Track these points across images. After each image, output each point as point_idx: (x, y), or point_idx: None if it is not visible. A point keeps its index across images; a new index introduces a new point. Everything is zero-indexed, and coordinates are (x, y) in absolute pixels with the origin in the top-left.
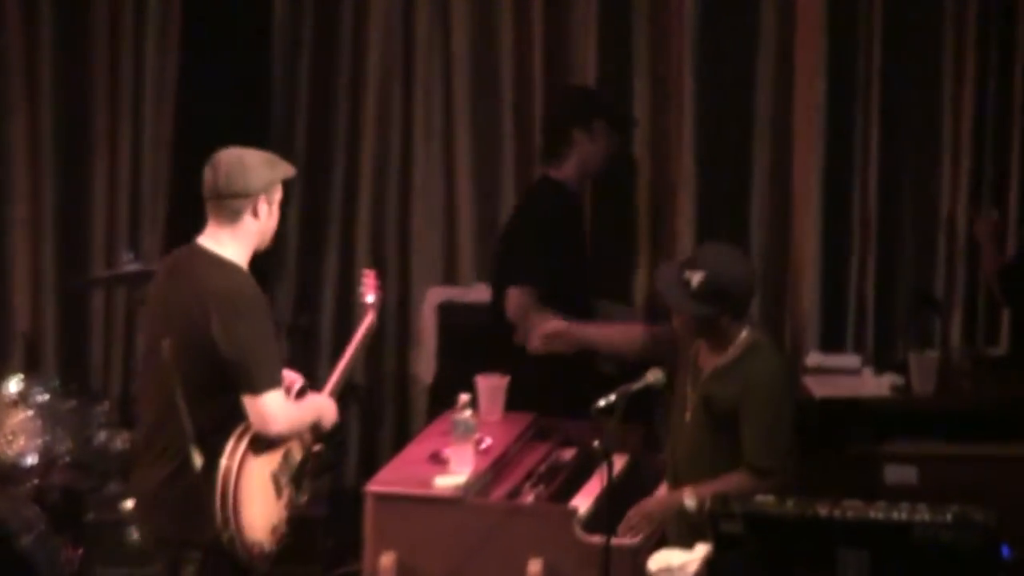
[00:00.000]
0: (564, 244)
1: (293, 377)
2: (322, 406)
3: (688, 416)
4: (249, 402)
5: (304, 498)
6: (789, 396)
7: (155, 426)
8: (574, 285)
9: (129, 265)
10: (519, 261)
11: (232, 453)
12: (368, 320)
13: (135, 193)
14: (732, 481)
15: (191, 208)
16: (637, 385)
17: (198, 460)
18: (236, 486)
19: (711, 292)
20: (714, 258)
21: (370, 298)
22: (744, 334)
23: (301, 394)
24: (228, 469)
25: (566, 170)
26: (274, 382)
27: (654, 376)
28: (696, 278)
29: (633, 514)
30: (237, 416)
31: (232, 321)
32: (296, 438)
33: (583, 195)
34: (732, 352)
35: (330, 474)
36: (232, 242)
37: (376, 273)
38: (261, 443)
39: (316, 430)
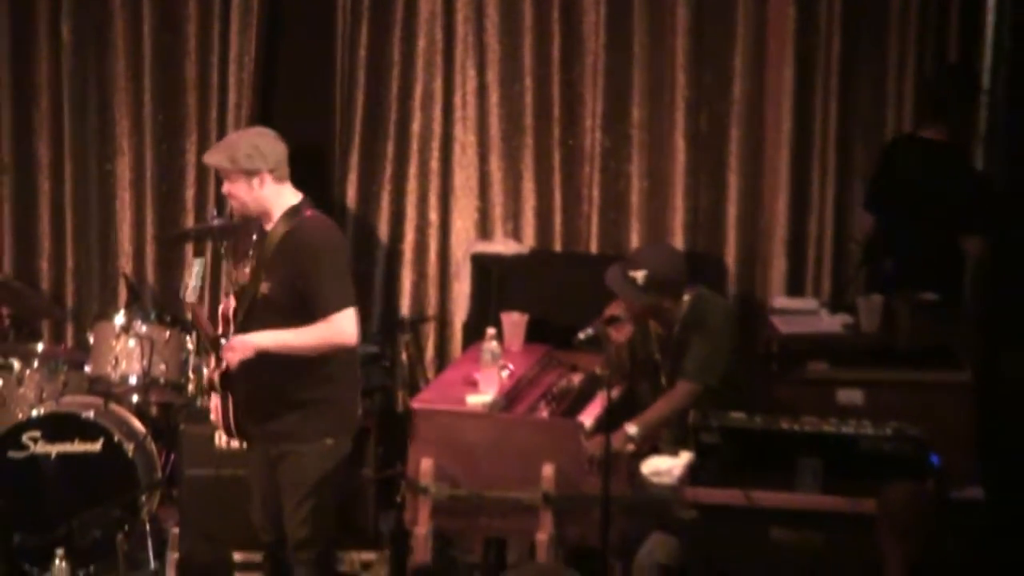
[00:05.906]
0: None
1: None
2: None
3: (663, 380)
4: None
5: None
6: (728, 329)
7: None
8: None
9: (214, 221)
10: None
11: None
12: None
13: None
14: (667, 400)
15: None
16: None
17: None
18: None
19: (654, 284)
20: (651, 256)
21: None
22: (686, 299)
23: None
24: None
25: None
26: None
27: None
28: (640, 275)
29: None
30: None
31: None
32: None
33: None
34: (680, 316)
35: (380, 394)
36: None
37: None
38: None
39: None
